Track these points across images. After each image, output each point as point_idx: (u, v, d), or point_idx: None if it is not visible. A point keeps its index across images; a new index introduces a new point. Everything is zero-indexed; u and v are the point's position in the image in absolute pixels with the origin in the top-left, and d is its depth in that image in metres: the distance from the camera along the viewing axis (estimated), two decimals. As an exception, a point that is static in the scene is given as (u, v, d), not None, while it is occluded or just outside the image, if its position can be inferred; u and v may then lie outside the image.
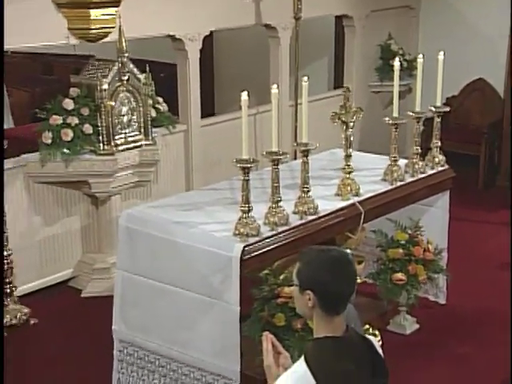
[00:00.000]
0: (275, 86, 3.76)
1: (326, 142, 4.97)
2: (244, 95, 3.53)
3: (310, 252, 2.26)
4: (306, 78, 3.93)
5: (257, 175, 4.42)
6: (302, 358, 2.15)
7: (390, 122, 4.56)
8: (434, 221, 4.96)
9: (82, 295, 5.34)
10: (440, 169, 4.89)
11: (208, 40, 6.67)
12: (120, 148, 5.15)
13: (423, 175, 4.76)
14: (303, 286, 2.20)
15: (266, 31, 6.89)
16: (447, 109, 4.94)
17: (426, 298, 5.12)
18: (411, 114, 4.66)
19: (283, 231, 3.82)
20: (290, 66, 6.96)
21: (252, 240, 3.65)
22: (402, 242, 4.64)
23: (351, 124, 4.27)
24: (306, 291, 2.19)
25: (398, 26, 8.23)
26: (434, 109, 4.80)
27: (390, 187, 4.54)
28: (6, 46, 5.03)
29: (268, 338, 2.29)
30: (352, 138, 4.32)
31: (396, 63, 4.50)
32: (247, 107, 3.58)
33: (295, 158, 5.91)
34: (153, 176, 5.65)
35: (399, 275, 4.52)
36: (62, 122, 5.02)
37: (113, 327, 4.09)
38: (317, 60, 8.55)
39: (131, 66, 5.16)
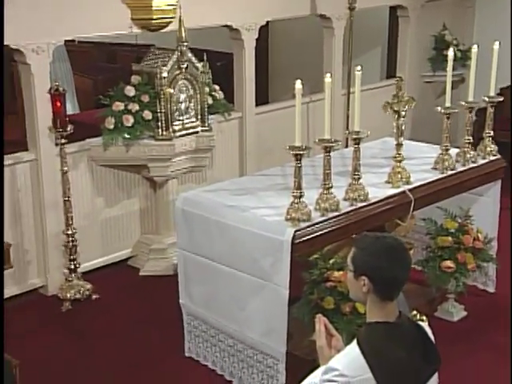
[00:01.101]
0: (328, 75, 3.73)
1: (378, 131, 4.91)
2: (298, 84, 3.51)
3: (366, 238, 2.24)
4: (359, 68, 3.88)
5: (309, 162, 4.40)
6: (355, 341, 2.14)
7: (443, 111, 4.46)
8: (484, 210, 4.84)
9: (140, 274, 5.43)
10: (492, 158, 4.77)
11: (264, 30, 6.65)
12: (177, 134, 5.20)
13: (474, 164, 4.65)
14: (358, 271, 2.19)
15: (321, 21, 6.83)
16: (501, 98, 4.81)
17: (475, 286, 5.02)
18: (464, 103, 4.56)
19: (333, 217, 3.80)
20: (343, 56, 6.88)
21: (303, 225, 3.64)
22: (452, 231, 4.56)
23: (403, 113, 4.21)
24: (360, 277, 2.18)
25: (452, 16, 8.04)
26: (487, 99, 4.68)
27: (440, 176, 4.46)
28: (75, 35, 5.15)
29: (321, 320, 2.29)
30: (403, 127, 4.26)
31: (450, 53, 4.41)
32: (301, 96, 3.56)
33: (346, 146, 5.86)
34: (208, 161, 5.69)
35: (448, 263, 4.44)
36: (123, 108, 5.10)
37: (180, 301, 4.19)
38: (370, 50, 8.42)
39: (190, 54, 5.19)
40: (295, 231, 3.58)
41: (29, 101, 4.89)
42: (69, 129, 4.72)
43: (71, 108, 6.75)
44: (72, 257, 4.95)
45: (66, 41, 5.09)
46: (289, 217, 3.65)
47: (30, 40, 4.70)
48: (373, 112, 5.11)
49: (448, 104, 4.44)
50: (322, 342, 2.25)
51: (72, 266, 4.96)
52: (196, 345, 4.20)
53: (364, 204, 3.96)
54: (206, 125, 5.38)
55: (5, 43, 4.63)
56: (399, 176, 4.23)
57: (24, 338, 4.28)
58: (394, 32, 7.99)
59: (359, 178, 3.96)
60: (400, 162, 4.26)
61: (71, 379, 4.07)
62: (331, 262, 3.85)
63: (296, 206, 3.65)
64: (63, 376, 4.07)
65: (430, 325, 2.33)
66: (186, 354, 4.24)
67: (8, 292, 4.88)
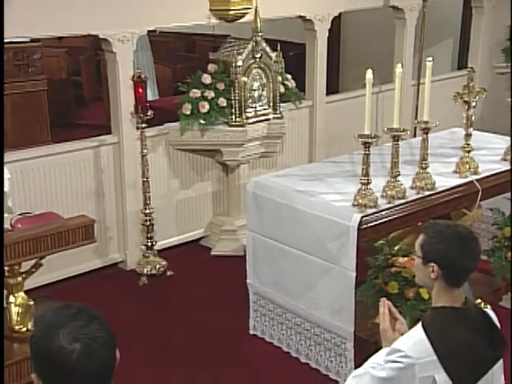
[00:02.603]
0: (399, 65, 3.67)
1: (446, 122, 4.79)
2: (369, 73, 3.47)
3: (436, 226, 2.21)
4: (430, 58, 3.79)
5: (377, 150, 4.35)
6: (419, 324, 2.12)
7: (514, 102, 4.31)
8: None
9: (212, 253, 5.52)
10: (562, 150, 4.57)
11: (336, 21, 6.58)
12: (250, 120, 5.24)
13: (545, 156, 4.47)
14: (427, 257, 2.17)
15: (393, 12, 6.69)
16: None
17: (541, 277, 4.84)
18: (536, 95, 4.38)
19: (400, 204, 3.75)
20: (415, 47, 6.73)
21: (369, 211, 3.62)
22: (519, 221, 4.41)
23: (473, 104, 4.09)
24: (429, 263, 2.16)
25: (527, 7, 7.70)
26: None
27: (509, 167, 4.31)
28: (157, 25, 5.24)
29: (385, 304, 2.27)
30: (473, 118, 4.14)
31: (524, 44, 4.24)
32: (371, 85, 3.52)
33: (415, 136, 5.75)
34: (278, 147, 5.70)
35: (514, 253, 4.30)
36: (200, 95, 5.17)
37: (247, 281, 4.24)
38: (442, 41, 8.20)
39: (264, 44, 5.20)
40: (362, 217, 3.56)
41: (113, 87, 5.02)
42: (149, 114, 4.83)
43: (151, 94, 6.90)
44: (149, 235, 5.07)
45: (148, 31, 5.20)
46: (356, 203, 3.63)
47: (117, 30, 4.82)
48: (442, 102, 4.99)
49: (520, 95, 4.29)
50: (385, 325, 2.24)
51: (149, 244, 5.09)
52: (262, 323, 4.25)
53: (431, 193, 3.89)
54: (278, 112, 5.39)
55: (93, 33, 4.78)
56: (467, 166, 4.13)
57: (103, 308, 4.44)
58: (467, 23, 7.75)
59: (427, 167, 3.88)
60: (468, 152, 4.16)
61: (143, 349, 4.20)
62: (396, 248, 3.80)
63: (363, 192, 3.63)
64: (136, 345, 4.19)
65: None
66: (251, 332, 4.29)
67: (91, 265, 5.07)
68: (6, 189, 3.26)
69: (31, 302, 2.96)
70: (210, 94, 5.16)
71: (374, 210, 3.63)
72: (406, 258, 3.64)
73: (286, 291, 3.98)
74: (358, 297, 3.68)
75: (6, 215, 3.17)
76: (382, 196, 3.74)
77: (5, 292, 3.06)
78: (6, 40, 5.84)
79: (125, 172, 5.09)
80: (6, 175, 3.31)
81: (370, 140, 3.53)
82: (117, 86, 4.95)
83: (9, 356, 2.83)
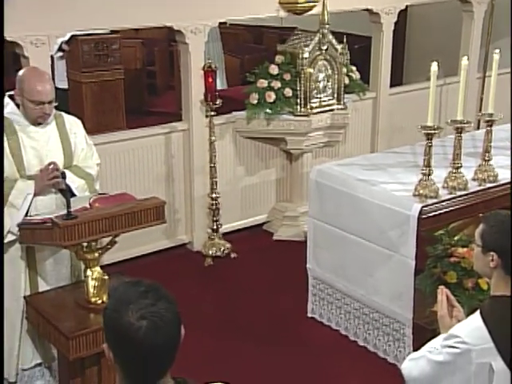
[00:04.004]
0: (465, 57, 3.57)
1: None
2: (434, 65, 3.40)
3: (497, 216, 2.17)
4: (497, 51, 3.67)
5: (439, 142, 4.27)
6: (477, 312, 2.08)
7: None
8: None
9: (274, 238, 5.55)
10: None
11: (402, 13, 6.44)
12: (315, 111, 5.22)
13: None
14: (487, 247, 2.14)
15: (461, 5, 6.50)
16: None
17: None
18: None
19: (461, 195, 3.67)
20: (481, 40, 6.52)
21: (430, 201, 3.56)
22: None
23: (540, 97, 3.94)
24: (489, 252, 2.13)
25: None
26: None
27: None
28: (228, 18, 5.27)
29: (443, 291, 2.25)
30: (539, 111, 3.99)
31: None
32: (436, 77, 3.44)
33: (478, 129, 5.58)
34: (341, 137, 5.66)
35: None
36: (267, 85, 5.19)
37: (307, 265, 4.25)
38: (508, 34, 7.88)
39: (330, 37, 5.17)
40: (422, 207, 3.51)
41: (185, 76, 5.10)
42: (218, 102, 4.89)
43: (220, 84, 6.96)
44: (215, 218, 5.15)
45: (219, 23, 5.25)
46: (417, 193, 3.58)
47: (190, 22, 4.89)
48: (507, 96, 4.83)
49: None
50: (443, 312, 2.21)
51: (214, 227, 5.17)
52: (320, 307, 4.25)
53: (493, 185, 3.79)
54: (342, 103, 5.35)
55: (168, 25, 4.86)
56: (531, 159, 3.98)
57: (170, 286, 4.54)
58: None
59: (490, 160, 3.78)
60: (533, 145, 4.01)
61: (207, 325, 4.28)
62: (456, 238, 3.73)
63: (424, 183, 3.57)
64: (200, 321, 4.27)
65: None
66: (309, 315, 4.31)
67: (160, 245, 5.20)
68: (93, 173, 3.40)
69: (106, 277, 3.06)
70: (277, 85, 5.17)
71: (434, 201, 3.57)
72: (465, 249, 3.56)
73: (346, 277, 3.97)
74: (416, 285, 3.64)
75: (87, 194, 3.30)
76: (444, 187, 3.67)
77: (82, 266, 3.19)
78: (88, 31, 6.08)
79: (193, 158, 5.17)
80: (96, 161, 3.46)
81: (432, 131, 3.47)
82: (188, 75, 5.03)
83: (85, 325, 2.95)
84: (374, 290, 3.78)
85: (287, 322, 4.30)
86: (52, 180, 3.17)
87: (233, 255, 5.17)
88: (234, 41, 8.99)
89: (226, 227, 5.36)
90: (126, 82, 7.24)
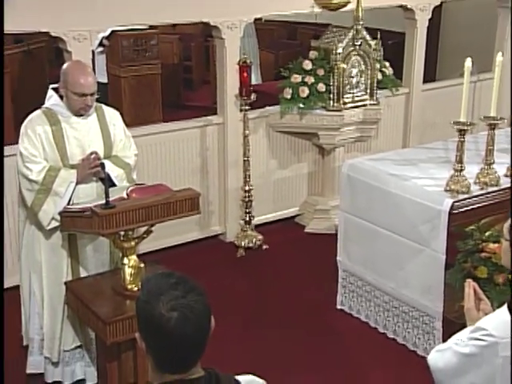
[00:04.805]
0: (500, 53, 3.51)
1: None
2: (468, 61, 3.35)
3: None
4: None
5: (472, 138, 4.21)
6: (505, 306, 2.05)
7: None
8: None
9: (305, 231, 5.55)
10: None
11: (437, 10, 6.35)
12: (347, 106, 5.19)
13: None
14: None
15: (497, 2, 6.37)
16: None
17: None
18: None
19: (493, 191, 3.63)
20: (517, 36, 6.38)
21: (461, 197, 3.53)
22: None
23: None
24: None
25: None
26: None
27: None
28: (264, 13, 5.27)
29: (470, 285, 2.22)
30: None
31: None
32: (469, 73, 3.40)
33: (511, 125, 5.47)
34: (373, 132, 5.62)
35: None
36: (300, 80, 5.18)
37: (337, 258, 4.25)
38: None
39: (364, 33, 5.12)
40: (453, 202, 3.48)
41: (221, 71, 5.13)
42: (252, 97, 4.90)
43: (255, 79, 6.98)
44: (247, 210, 5.18)
45: (255, 19, 5.25)
46: (448, 188, 3.55)
47: (226, 18, 4.91)
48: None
49: None
50: (470, 305, 2.19)
51: (247, 218, 5.19)
52: (350, 299, 4.25)
53: (525, 181, 3.72)
54: (375, 98, 5.31)
55: (205, 20, 4.89)
56: None
57: (203, 276, 4.59)
58: None
59: (523, 156, 3.71)
60: None
61: (238, 317, 4.30)
62: (487, 234, 3.67)
63: (456, 178, 3.54)
64: (231, 313, 4.28)
65: None
66: (338, 307, 4.31)
67: (194, 235, 5.25)
68: (131, 162, 3.46)
69: (142, 265, 3.11)
70: (310, 80, 5.16)
71: (465, 196, 3.54)
72: (496, 244, 3.51)
73: (376, 270, 3.95)
74: (446, 279, 3.60)
75: (125, 183, 3.36)
76: (475, 183, 3.63)
77: (119, 254, 3.25)
78: (127, 27, 6.16)
79: (228, 151, 5.20)
80: (134, 151, 3.52)
81: (465, 127, 3.42)
82: (224, 70, 5.06)
83: (122, 311, 3.00)
84: (405, 284, 3.76)
85: (317, 313, 4.30)
86: (94, 169, 3.25)
87: (264, 247, 5.20)
88: (269, 36, 8.98)
89: (258, 219, 5.37)
90: (163, 77, 7.31)
